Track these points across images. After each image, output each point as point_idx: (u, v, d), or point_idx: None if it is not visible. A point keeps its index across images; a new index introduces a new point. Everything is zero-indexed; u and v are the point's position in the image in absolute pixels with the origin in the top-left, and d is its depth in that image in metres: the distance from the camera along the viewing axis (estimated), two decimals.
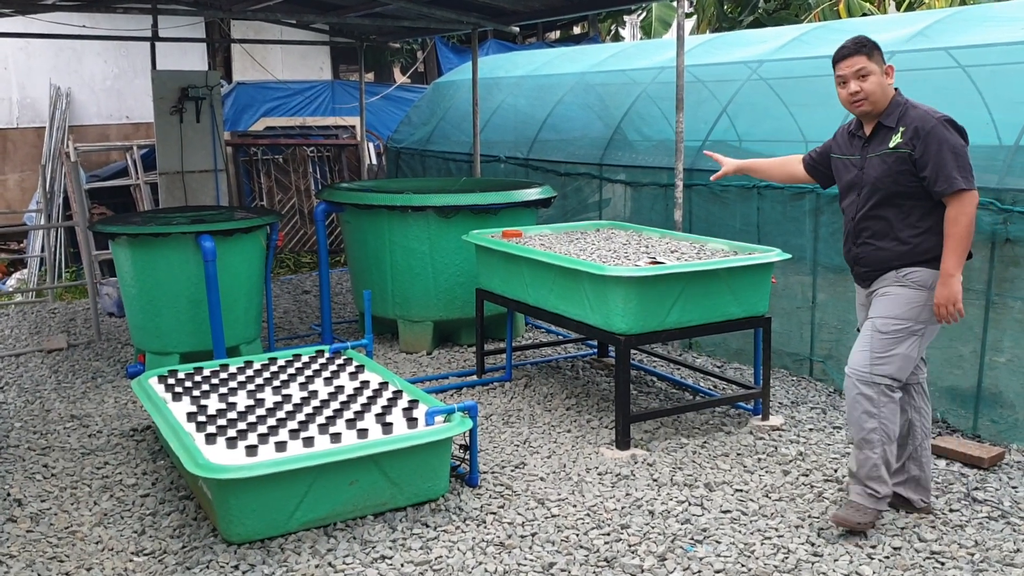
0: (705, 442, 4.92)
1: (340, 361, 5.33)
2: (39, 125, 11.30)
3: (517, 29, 9.53)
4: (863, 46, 3.86)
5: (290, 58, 13.31)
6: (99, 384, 6.22)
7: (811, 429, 5.12)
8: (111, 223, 6.32)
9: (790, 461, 4.67)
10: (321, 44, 12.04)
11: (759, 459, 4.70)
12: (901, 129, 3.76)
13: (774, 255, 5.07)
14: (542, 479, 4.47)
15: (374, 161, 12.17)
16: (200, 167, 10.15)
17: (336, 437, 4.06)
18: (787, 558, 3.70)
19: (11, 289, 10.09)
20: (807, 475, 4.50)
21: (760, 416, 5.24)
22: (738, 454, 4.76)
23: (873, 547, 3.77)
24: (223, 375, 5.12)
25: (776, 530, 3.94)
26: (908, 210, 3.78)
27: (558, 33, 16.79)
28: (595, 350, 6.63)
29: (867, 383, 3.82)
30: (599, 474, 4.52)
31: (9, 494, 4.38)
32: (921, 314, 3.79)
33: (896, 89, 3.88)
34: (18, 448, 5.01)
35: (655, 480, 4.44)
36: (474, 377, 6.15)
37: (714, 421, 5.26)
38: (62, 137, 11.02)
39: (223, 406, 4.58)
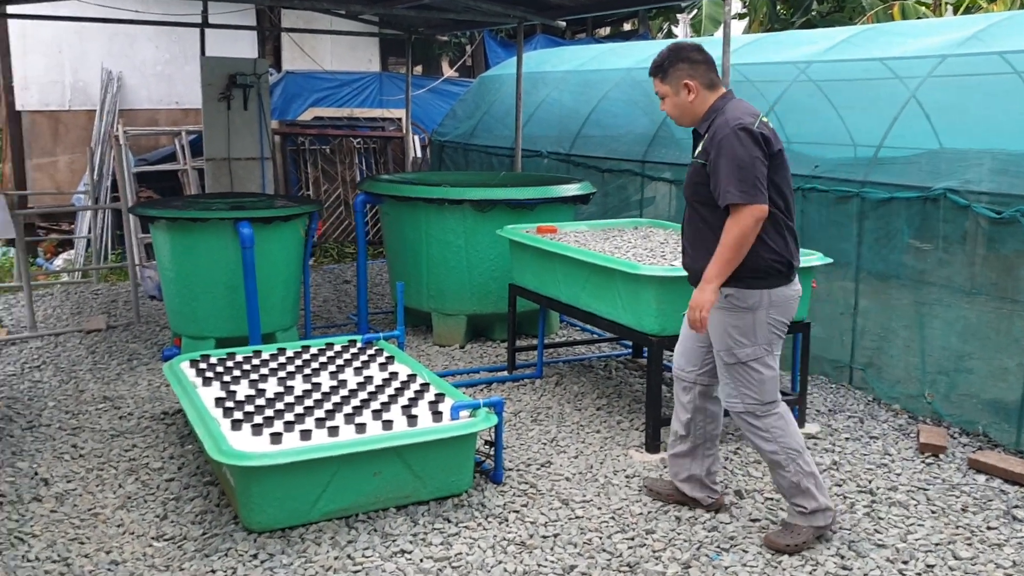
0: (738, 448, 4.82)
1: (371, 351, 5.31)
2: (90, 108, 11.45)
3: (564, 24, 9.45)
4: (656, 67, 3.75)
5: (339, 49, 13.35)
6: (134, 366, 6.28)
7: (847, 438, 4.99)
8: (151, 207, 6.37)
9: (824, 470, 4.55)
10: (370, 35, 12.04)
11: None
12: (706, 137, 3.64)
13: (815, 259, 4.95)
14: (568, 479, 4.40)
15: (419, 154, 12.16)
16: (247, 154, 10.21)
17: (361, 428, 4.03)
18: (815, 570, 3.59)
19: (58, 269, 10.26)
20: (840, 485, 4.38)
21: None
22: None
23: (905, 563, 3.65)
24: (255, 361, 5.12)
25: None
26: (712, 222, 3.63)
27: (608, 30, 16.65)
28: (630, 350, 6.54)
29: (747, 414, 3.72)
30: (626, 477, 4.44)
31: (36, 473, 4.43)
32: (756, 336, 3.64)
33: (726, 92, 3.71)
34: (49, 427, 5.06)
35: None
36: (505, 373, 6.10)
37: None
38: (112, 120, 11.16)
39: (252, 392, 4.58)
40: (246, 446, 3.84)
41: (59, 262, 10.59)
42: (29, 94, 11.24)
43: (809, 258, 4.96)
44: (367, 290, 7.11)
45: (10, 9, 9.70)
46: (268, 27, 12.30)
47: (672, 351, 6.27)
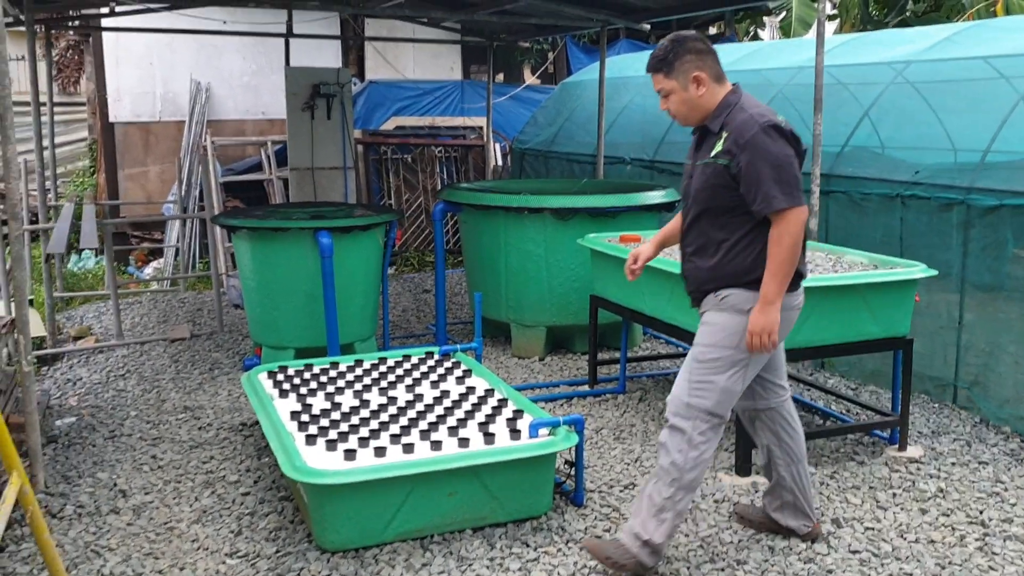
0: (835, 472, 4.53)
1: (448, 364, 5.19)
2: (179, 119, 11.67)
3: (648, 27, 9.23)
4: (660, 61, 3.41)
5: (421, 57, 13.37)
6: (215, 376, 6.28)
7: (953, 463, 4.66)
8: (232, 216, 6.38)
9: (929, 498, 4.24)
10: (452, 43, 12.02)
11: (894, 494, 4.29)
12: (724, 135, 3.32)
13: (918, 271, 4.64)
14: None
15: (499, 162, 12.07)
16: (330, 164, 10.26)
17: (437, 445, 3.90)
18: None
19: (148, 277, 10.45)
20: (948, 515, 4.07)
21: (897, 446, 4.80)
22: (871, 487, 4.36)
23: None
24: (332, 373, 5.05)
25: None
26: (727, 226, 3.37)
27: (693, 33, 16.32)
28: None
29: (683, 416, 3.41)
30: (715, 501, 4.20)
31: (116, 484, 4.41)
32: (743, 341, 3.36)
33: (734, 86, 3.40)
34: (131, 437, 5.07)
35: None
36: (586, 387, 5.91)
37: (846, 449, 4.85)
38: (201, 131, 11.35)
39: (328, 406, 4.50)
40: (320, 462, 3.75)
41: (149, 270, 10.80)
42: (122, 106, 11.52)
43: (911, 270, 4.66)
44: (446, 300, 7.01)
45: (104, 22, 9.95)
46: (351, 36, 12.37)
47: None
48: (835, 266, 4.91)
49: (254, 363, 6.30)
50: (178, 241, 10.45)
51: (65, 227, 6.31)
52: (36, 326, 7.09)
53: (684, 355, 6.36)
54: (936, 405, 5.55)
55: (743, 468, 4.45)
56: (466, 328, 7.61)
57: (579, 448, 4.08)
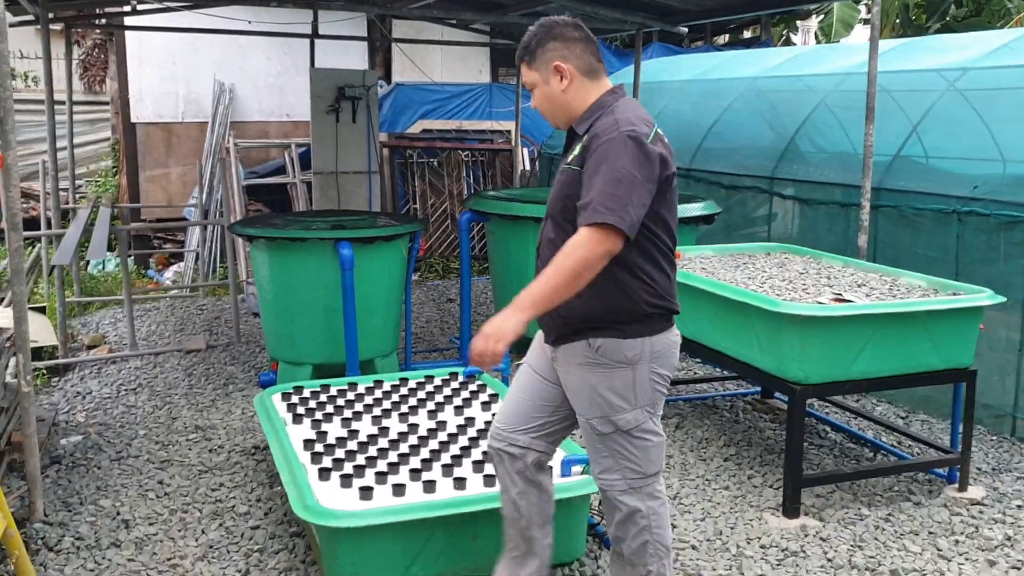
0: (890, 514, 4.18)
1: (473, 387, 4.88)
2: (202, 120, 11.45)
3: (685, 31, 8.90)
4: (523, 49, 2.93)
5: (449, 60, 13.10)
6: (229, 392, 6.01)
7: (1019, 506, 4.29)
8: (249, 225, 6.11)
9: (996, 547, 3.89)
10: (480, 45, 11.73)
11: (956, 541, 3.94)
12: (586, 138, 2.82)
13: (985, 297, 4.28)
14: (694, 547, 3.85)
15: (527, 167, 11.77)
16: (354, 168, 10.02)
17: (460, 483, 3.60)
18: None
19: (168, 282, 10.24)
20: (1018, 568, 3.71)
21: (956, 485, 4.44)
22: (930, 532, 4.01)
23: None
24: (349, 395, 4.75)
25: None
26: None
27: (727, 37, 15.96)
28: (757, 389, 5.92)
29: (630, 494, 2.91)
30: (762, 547, 3.86)
31: (119, 513, 4.14)
32: (638, 396, 2.83)
33: (616, 88, 2.92)
34: (138, 459, 4.80)
35: (830, 560, 3.75)
36: None
37: (899, 487, 4.49)
38: (224, 133, 11.13)
39: (344, 433, 4.20)
40: (333, 500, 3.45)
41: (169, 274, 10.59)
42: (143, 106, 11.32)
43: (977, 296, 4.30)
44: (471, 312, 6.69)
45: (127, 21, 9.75)
46: (378, 38, 12.11)
47: (819, 399, 5.61)
48: (891, 290, 4.55)
49: (270, 379, 6.03)
50: (198, 246, 10.23)
51: (75, 235, 6.05)
52: (48, 334, 6.87)
53: (723, 379, 6.05)
54: (994, 438, 5.18)
55: (790, 509, 4.10)
56: None
57: None
